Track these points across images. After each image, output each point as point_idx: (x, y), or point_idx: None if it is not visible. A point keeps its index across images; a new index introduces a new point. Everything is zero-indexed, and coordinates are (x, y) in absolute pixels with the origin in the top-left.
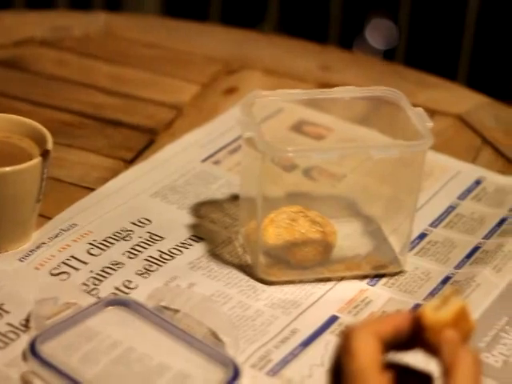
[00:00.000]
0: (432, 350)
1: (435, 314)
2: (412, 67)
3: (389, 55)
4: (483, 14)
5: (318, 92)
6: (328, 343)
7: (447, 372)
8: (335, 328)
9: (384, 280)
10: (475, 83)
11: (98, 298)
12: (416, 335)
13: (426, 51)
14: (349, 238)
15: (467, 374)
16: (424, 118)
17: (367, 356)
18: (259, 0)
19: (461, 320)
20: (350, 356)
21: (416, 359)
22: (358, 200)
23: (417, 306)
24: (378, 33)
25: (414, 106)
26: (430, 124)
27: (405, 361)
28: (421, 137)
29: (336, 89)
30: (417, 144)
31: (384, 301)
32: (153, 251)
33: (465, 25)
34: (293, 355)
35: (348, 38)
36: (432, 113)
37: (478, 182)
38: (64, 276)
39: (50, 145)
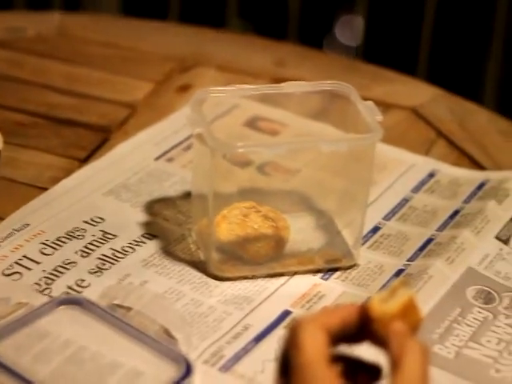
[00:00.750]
0: (380, 341)
1: (383, 305)
2: (377, 63)
3: (360, 51)
4: (441, 10)
5: (267, 87)
6: (281, 338)
7: (395, 364)
8: (288, 323)
9: (337, 274)
10: (435, 78)
11: (51, 297)
12: (364, 327)
13: (385, 47)
14: (302, 232)
15: (415, 365)
16: (374, 111)
17: (314, 349)
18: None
19: (409, 311)
20: (297, 349)
21: (368, 352)
22: (312, 194)
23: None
24: (347, 29)
25: (370, 100)
26: (379, 117)
27: (354, 353)
28: (370, 130)
29: (286, 84)
30: (366, 137)
31: (337, 295)
32: (106, 249)
33: (423, 21)
34: (245, 351)
35: (318, 36)
36: (387, 106)
37: (431, 175)
38: (16, 276)
39: (0, 145)
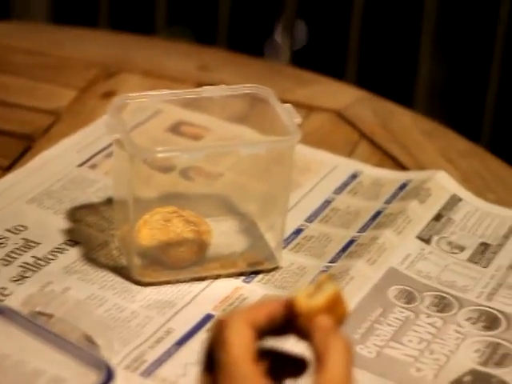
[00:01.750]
0: (305, 336)
1: (309, 300)
2: (315, 67)
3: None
4: (369, 14)
5: (187, 92)
6: (203, 341)
7: (319, 359)
8: (211, 325)
9: (259, 277)
10: (369, 80)
11: None
12: (290, 322)
13: (326, 51)
14: (224, 236)
15: (339, 361)
16: (292, 114)
17: (240, 347)
18: (148, 6)
19: (334, 306)
20: (223, 347)
21: (296, 345)
22: (234, 198)
23: None
24: (288, 34)
25: (293, 102)
26: (298, 120)
27: (281, 347)
28: (289, 133)
29: (206, 88)
30: (284, 140)
31: (259, 297)
32: (28, 257)
33: (350, 24)
34: (168, 355)
35: (259, 42)
36: (311, 109)
37: (354, 176)
38: None
39: None
